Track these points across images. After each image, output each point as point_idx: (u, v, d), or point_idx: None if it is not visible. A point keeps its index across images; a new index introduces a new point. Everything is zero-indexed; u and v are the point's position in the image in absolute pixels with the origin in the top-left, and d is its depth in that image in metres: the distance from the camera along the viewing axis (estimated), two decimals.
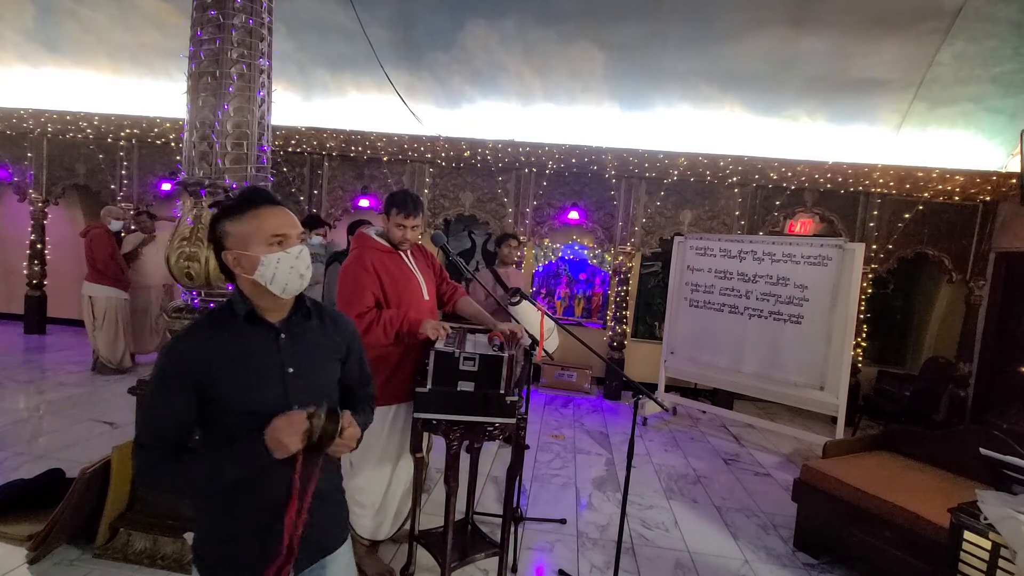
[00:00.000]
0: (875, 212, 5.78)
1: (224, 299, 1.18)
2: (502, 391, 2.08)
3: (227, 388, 1.11)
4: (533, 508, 3.28)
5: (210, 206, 2.34)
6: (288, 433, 1.06)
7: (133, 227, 5.92)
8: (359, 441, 1.21)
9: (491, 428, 2.16)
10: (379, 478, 2.38)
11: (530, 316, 2.63)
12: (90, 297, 5.27)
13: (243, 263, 1.14)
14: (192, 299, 2.55)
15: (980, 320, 5.72)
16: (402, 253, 2.41)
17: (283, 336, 1.19)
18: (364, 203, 6.39)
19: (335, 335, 1.30)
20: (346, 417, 1.13)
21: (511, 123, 6.08)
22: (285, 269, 1.14)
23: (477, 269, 7.35)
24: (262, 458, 1.07)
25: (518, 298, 2.62)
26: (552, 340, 2.58)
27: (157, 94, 6.31)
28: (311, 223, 4.83)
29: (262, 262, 1.13)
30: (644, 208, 6.12)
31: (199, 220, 2.48)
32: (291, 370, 1.18)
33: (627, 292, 6.24)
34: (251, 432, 1.08)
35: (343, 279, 2.28)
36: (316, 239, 4.78)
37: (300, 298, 1.24)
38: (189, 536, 1.22)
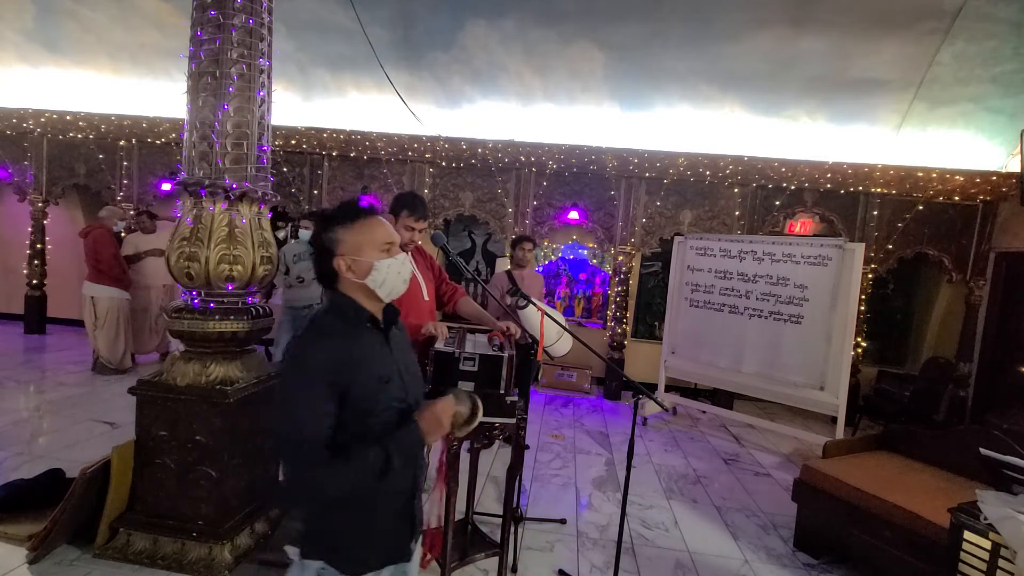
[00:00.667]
0: (875, 212, 5.78)
1: (312, 306, 1.30)
2: (502, 391, 2.08)
3: (363, 388, 1.17)
4: (533, 508, 3.28)
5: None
6: (448, 417, 1.23)
7: (132, 227, 5.92)
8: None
9: (492, 429, 2.16)
10: None
11: (537, 320, 2.63)
12: (92, 297, 5.27)
13: (355, 268, 1.23)
14: (192, 299, 2.55)
15: (980, 320, 5.72)
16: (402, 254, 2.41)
17: (388, 337, 1.29)
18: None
19: (405, 336, 1.42)
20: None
21: (511, 123, 6.08)
22: (394, 274, 1.26)
23: (477, 269, 7.36)
24: (421, 443, 1.19)
25: (524, 302, 2.62)
26: (563, 343, 2.57)
27: (157, 94, 6.31)
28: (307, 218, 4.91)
29: (376, 267, 1.23)
30: (644, 208, 6.12)
31: (199, 220, 2.48)
32: (402, 370, 1.28)
33: (627, 292, 6.24)
34: (389, 426, 1.18)
35: None
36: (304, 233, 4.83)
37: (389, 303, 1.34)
38: (292, 550, 1.24)
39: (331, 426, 1.14)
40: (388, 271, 1.24)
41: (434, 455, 2.19)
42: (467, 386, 2.09)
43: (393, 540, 1.27)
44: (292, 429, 1.12)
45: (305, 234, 4.83)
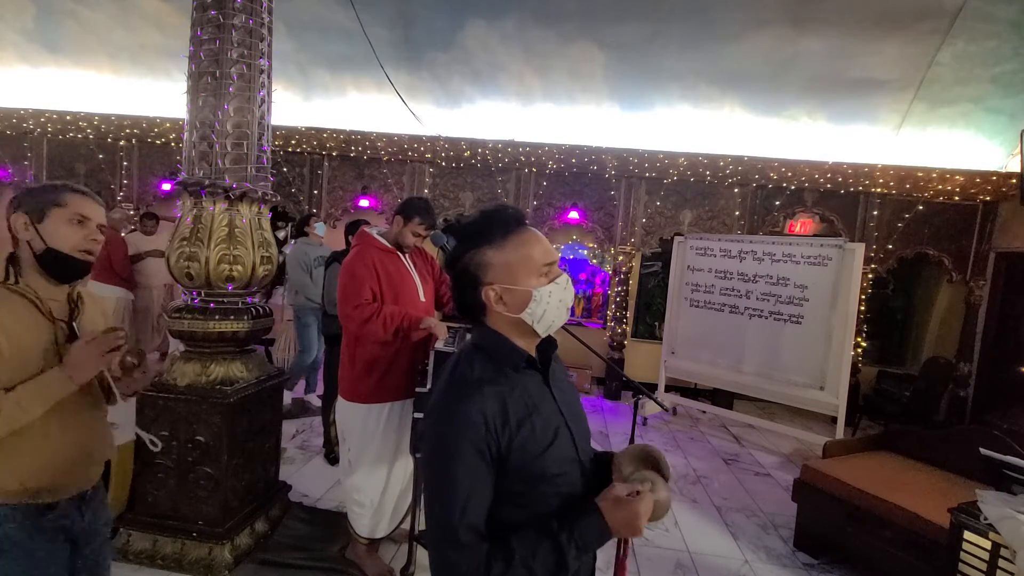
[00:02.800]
0: (875, 212, 5.78)
1: (458, 350, 1.04)
2: None
3: (527, 450, 0.93)
4: None
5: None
6: (647, 516, 0.92)
7: (132, 227, 5.94)
8: None
9: None
10: (376, 477, 2.38)
11: None
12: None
13: (507, 299, 0.98)
14: (192, 299, 2.55)
15: (980, 320, 5.71)
16: (401, 254, 2.42)
17: (548, 378, 1.04)
18: (364, 203, 6.39)
19: (564, 370, 1.15)
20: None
21: (511, 123, 6.08)
22: (555, 303, 0.99)
23: None
24: (604, 539, 0.92)
25: None
26: None
27: (157, 94, 6.31)
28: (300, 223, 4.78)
29: (535, 298, 0.97)
30: (644, 208, 6.12)
31: (199, 220, 2.48)
32: (567, 414, 1.03)
33: (627, 292, 6.24)
34: (561, 499, 0.95)
35: (344, 273, 2.30)
36: (320, 226, 4.63)
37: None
38: None
39: (488, 504, 0.91)
40: (550, 301, 0.98)
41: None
42: None
43: None
44: (447, 512, 0.89)
45: (321, 228, 4.68)
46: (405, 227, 2.37)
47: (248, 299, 2.69)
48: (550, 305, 0.98)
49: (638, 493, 0.93)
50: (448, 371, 1.02)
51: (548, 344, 1.07)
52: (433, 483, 0.93)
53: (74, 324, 1.36)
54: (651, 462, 1.05)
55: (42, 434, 1.26)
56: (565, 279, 1.02)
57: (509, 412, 0.93)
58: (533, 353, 1.04)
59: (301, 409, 4.62)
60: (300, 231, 4.74)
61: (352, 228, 3.99)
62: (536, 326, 0.99)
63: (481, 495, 0.90)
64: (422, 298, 2.43)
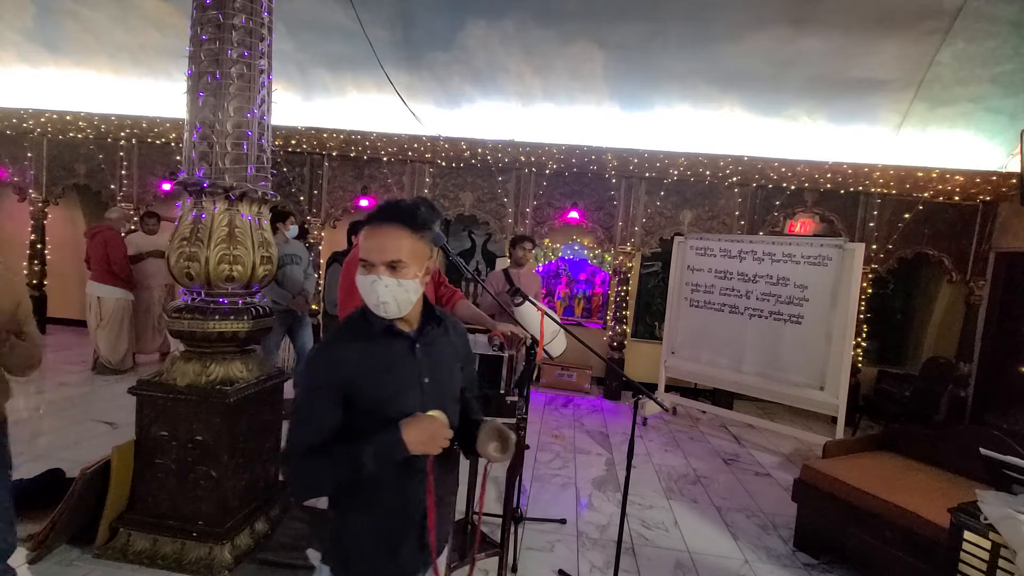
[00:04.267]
0: (875, 212, 5.78)
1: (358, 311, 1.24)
2: (502, 391, 2.08)
3: (372, 397, 1.15)
4: (533, 508, 3.28)
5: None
6: (441, 436, 1.15)
7: (133, 227, 5.94)
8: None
9: None
10: None
11: (534, 318, 2.63)
12: (99, 298, 5.28)
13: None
14: (197, 296, 2.55)
15: (980, 320, 5.71)
16: None
17: (418, 346, 1.23)
18: (364, 203, 6.39)
19: (456, 341, 1.35)
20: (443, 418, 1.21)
21: (511, 123, 6.08)
22: (367, 290, 1.17)
23: (477, 269, 7.36)
24: (399, 448, 1.11)
25: (520, 299, 2.62)
26: (558, 342, 2.57)
27: (157, 94, 6.31)
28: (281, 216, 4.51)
29: (358, 282, 1.19)
30: (644, 208, 6.12)
31: (199, 220, 2.48)
32: (426, 380, 1.22)
33: (627, 292, 6.24)
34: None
35: (346, 274, 2.29)
36: (292, 229, 4.49)
37: (429, 308, 1.29)
38: (313, 554, 1.28)
39: (335, 430, 1.13)
40: (361, 287, 1.17)
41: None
42: None
43: (398, 558, 1.21)
44: (292, 431, 1.14)
45: (294, 230, 4.61)
46: None
47: (254, 297, 2.69)
48: (363, 291, 1.17)
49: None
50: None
51: (431, 320, 1.27)
52: (294, 411, 1.15)
53: None
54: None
55: None
56: (375, 278, 1.15)
57: (364, 364, 1.15)
58: (413, 324, 1.24)
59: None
60: (273, 226, 4.55)
61: (355, 228, 3.98)
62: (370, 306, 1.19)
63: (321, 420, 1.13)
64: None
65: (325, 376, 1.14)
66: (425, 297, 1.27)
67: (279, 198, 6.00)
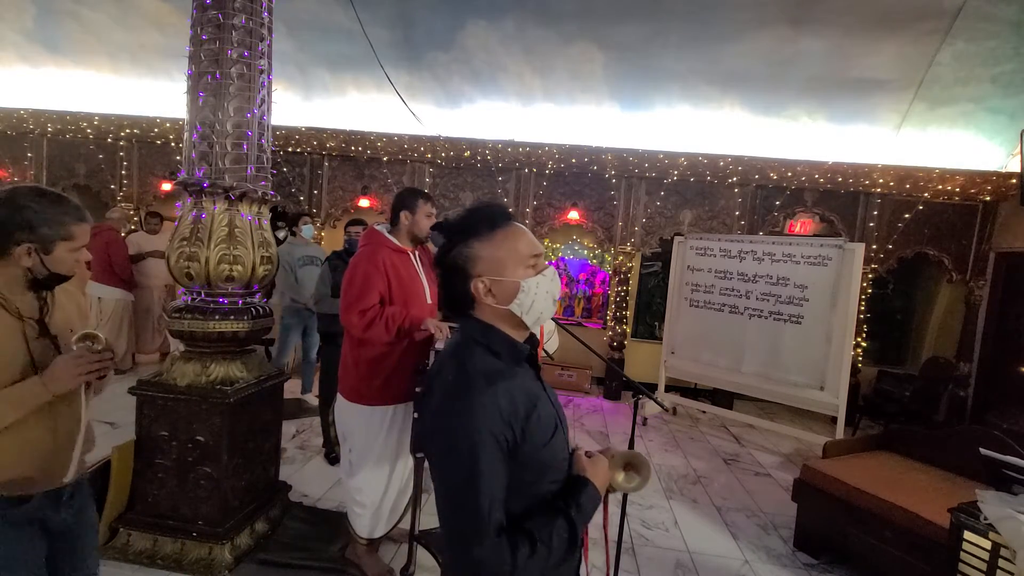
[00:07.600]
0: (875, 212, 5.78)
1: (457, 341, 1.05)
2: None
3: (534, 443, 0.95)
4: None
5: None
6: (606, 483, 1.06)
7: (133, 227, 5.94)
8: None
9: None
10: (378, 478, 2.38)
11: None
12: (99, 298, 5.29)
13: (496, 291, 1.00)
14: (197, 296, 2.55)
15: (980, 320, 5.71)
16: (410, 254, 2.41)
17: (541, 375, 1.06)
18: (364, 203, 6.39)
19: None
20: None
21: (511, 123, 6.08)
22: (543, 294, 1.01)
23: None
24: (597, 502, 1.02)
25: None
26: (552, 341, 2.58)
27: (157, 94, 6.31)
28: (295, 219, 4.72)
29: (523, 288, 0.99)
30: (644, 208, 6.12)
31: (199, 220, 2.48)
32: (558, 410, 1.06)
33: (627, 292, 6.24)
34: (554, 487, 1.00)
35: (352, 274, 2.28)
36: (307, 228, 4.62)
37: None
38: None
39: (503, 498, 0.91)
40: (537, 291, 1.00)
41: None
42: None
43: None
44: (471, 508, 0.87)
45: (308, 231, 4.68)
46: (415, 217, 2.36)
47: (254, 296, 2.69)
48: (538, 296, 1.00)
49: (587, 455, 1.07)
50: (449, 366, 0.99)
51: (532, 342, 1.08)
52: (451, 480, 0.91)
53: (45, 321, 1.37)
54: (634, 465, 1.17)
55: (14, 429, 1.28)
56: (552, 271, 1.04)
57: (518, 403, 0.93)
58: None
59: (298, 408, 4.61)
60: (291, 230, 4.70)
61: (349, 227, 3.97)
62: (525, 317, 1.01)
63: (502, 488, 0.90)
64: (428, 300, 2.42)
65: (490, 423, 0.89)
66: None
67: (279, 198, 6.00)
